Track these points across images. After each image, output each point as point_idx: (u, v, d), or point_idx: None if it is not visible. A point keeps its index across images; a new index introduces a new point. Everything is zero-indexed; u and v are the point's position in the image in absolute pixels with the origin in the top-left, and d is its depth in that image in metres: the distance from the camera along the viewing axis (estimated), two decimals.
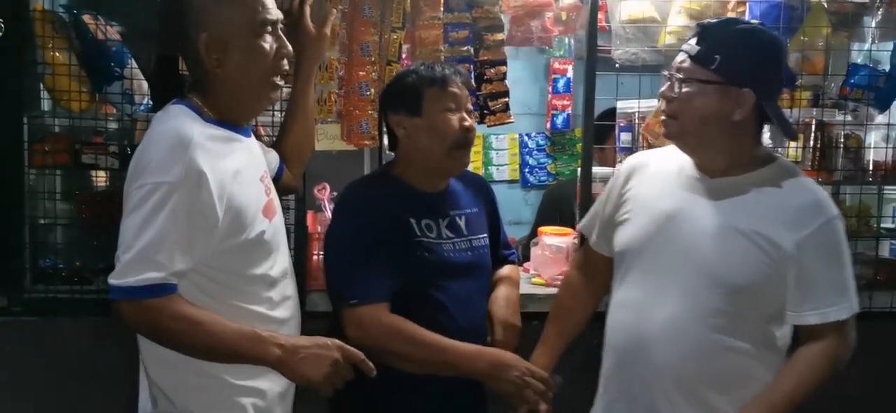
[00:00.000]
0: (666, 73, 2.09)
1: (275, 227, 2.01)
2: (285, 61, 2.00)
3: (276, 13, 1.97)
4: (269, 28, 1.94)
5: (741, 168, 2.02)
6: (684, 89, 1.99)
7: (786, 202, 1.96)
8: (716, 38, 1.98)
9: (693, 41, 2.01)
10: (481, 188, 2.50)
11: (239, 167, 1.90)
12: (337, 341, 1.88)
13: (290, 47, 2.00)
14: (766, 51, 2.00)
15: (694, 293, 1.98)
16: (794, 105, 3.13)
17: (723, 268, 1.95)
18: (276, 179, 2.26)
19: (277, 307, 2.01)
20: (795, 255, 1.91)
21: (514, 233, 4.24)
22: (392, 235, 2.18)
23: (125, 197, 1.80)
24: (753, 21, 2.12)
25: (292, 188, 2.49)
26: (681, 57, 2.03)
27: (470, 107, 2.29)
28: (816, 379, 1.95)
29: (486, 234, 2.37)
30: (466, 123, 2.23)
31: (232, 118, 1.98)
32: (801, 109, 3.12)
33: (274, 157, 2.28)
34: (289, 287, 2.10)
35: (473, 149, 5.35)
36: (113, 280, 1.76)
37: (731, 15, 3.22)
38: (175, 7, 1.93)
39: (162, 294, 1.75)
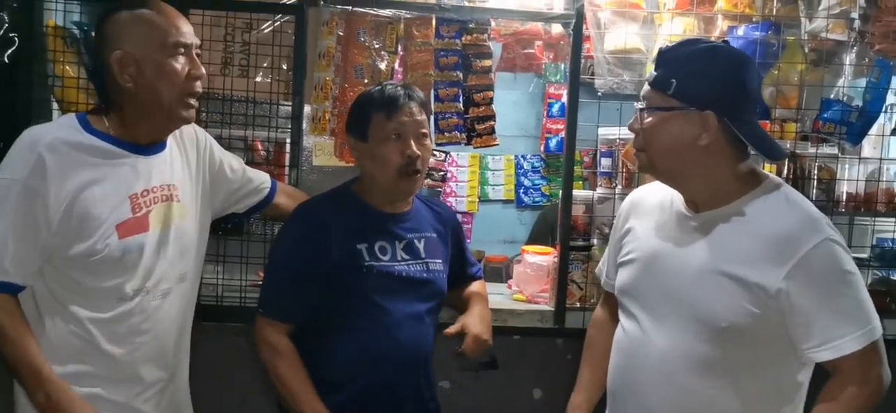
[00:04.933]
0: (636, 105, 1.98)
1: (129, 246, 1.98)
2: (198, 83, 2.05)
3: (191, 38, 2.04)
4: (182, 50, 2.01)
5: (726, 196, 1.87)
6: (647, 119, 1.89)
7: (770, 231, 1.79)
8: (671, 60, 1.88)
9: (653, 67, 1.93)
10: (447, 217, 2.50)
11: (98, 179, 1.95)
12: None
13: (202, 70, 2.07)
14: (725, 67, 1.85)
15: (680, 337, 1.87)
16: (783, 138, 3.24)
17: (705, 310, 1.82)
18: (268, 200, 2.46)
19: (125, 320, 2.03)
20: (784, 289, 1.75)
21: (507, 251, 4.36)
22: (334, 261, 2.19)
23: None
24: (715, 40, 1.98)
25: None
26: (644, 87, 1.94)
27: (423, 132, 2.24)
28: None
29: (441, 260, 2.37)
30: (408, 152, 2.19)
31: (134, 135, 2.03)
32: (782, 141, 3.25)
33: (255, 179, 2.44)
34: (160, 302, 2.09)
35: (469, 168, 5.41)
36: None
37: None
38: (97, 24, 2.04)
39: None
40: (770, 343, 1.82)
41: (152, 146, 2.09)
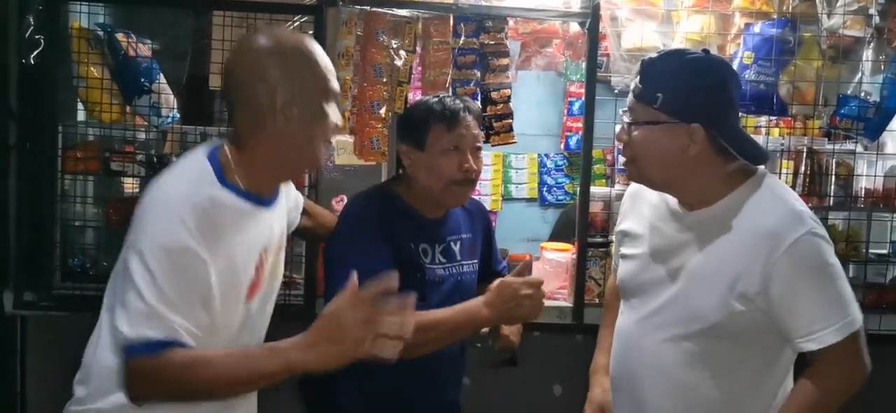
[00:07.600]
0: (621, 113, 2.02)
1: (252, 308, 1.87)
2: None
3: (337, 86, 1.91)
4: (333, 97, 1.88)
5: (716, 195, 1.92)
6: (635, 133, 1.92)
7: (755, 227, 1.84)
8: (656, 74, 1.90)
9: (637, 79, 1.93)
10: (479, 214, 2.53)
11: (241, 244, 1.78)
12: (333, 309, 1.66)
13: (341, 117, 1.94)
14: (709, 79, 1.89)
15: (671, 332, 1.94)
16: (806, 134, 3.30)
17: (694, 308, 1.89)
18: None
19: None
20: (766, 284, 1.80)
21: (530, 249, 4.36)
22: (392, 248, 2.21)
23: (131, 244, 1.71)
24: (699, 50, 1.96)
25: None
26: (629, 97, 1.95)
27: (478, 146, 2.28)
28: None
29: (476, 261, 2.43)
30: (466, 166, 2.22)
31: (261, 185, 1.85)
32: (794, 137, 3.27)
33: (296, 200, 2.27)
34: None
35: (493, 166, 5.41)
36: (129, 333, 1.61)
37: (730, 45, 3.38)
38: (244, 59, 1.84)
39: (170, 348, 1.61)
40: (757, 337, 1.87)
41: (271, 197, 1.93)
